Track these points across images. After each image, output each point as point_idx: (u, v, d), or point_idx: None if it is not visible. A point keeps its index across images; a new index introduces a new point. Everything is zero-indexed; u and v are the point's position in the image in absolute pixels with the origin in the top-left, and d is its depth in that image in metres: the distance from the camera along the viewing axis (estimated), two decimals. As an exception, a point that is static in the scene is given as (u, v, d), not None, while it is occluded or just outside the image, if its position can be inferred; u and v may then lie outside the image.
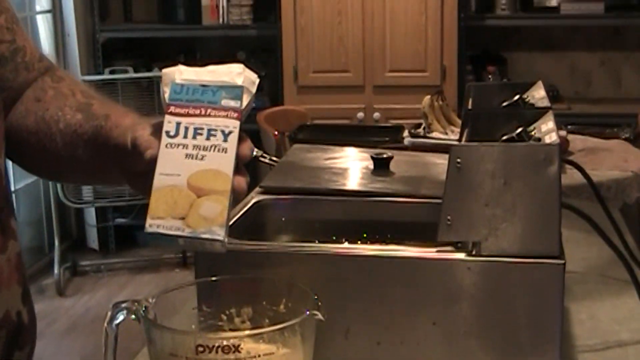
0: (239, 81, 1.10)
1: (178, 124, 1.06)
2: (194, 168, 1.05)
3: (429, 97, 3.32)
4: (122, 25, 5.21)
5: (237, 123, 1.07)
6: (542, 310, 1.16)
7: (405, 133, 3.13)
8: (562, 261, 1.15)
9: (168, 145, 1.05)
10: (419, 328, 1.19)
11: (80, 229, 5.22)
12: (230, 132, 1.06)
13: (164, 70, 1.12)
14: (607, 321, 1.48)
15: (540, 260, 1.15)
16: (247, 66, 1.14)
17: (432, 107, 3.32)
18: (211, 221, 1.03)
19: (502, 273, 1.16)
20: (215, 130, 1.06)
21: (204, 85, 1.09)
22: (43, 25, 4.82)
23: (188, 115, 1.07)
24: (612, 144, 3.37)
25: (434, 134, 3.20)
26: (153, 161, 1.05)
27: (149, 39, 5.27)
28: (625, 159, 3.19)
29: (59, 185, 4.49)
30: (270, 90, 4.90)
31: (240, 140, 1.07)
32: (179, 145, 1.05)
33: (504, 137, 1.20)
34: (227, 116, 1.07)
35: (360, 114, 4.55)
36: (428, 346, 1.19)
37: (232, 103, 1.07)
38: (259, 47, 5.09)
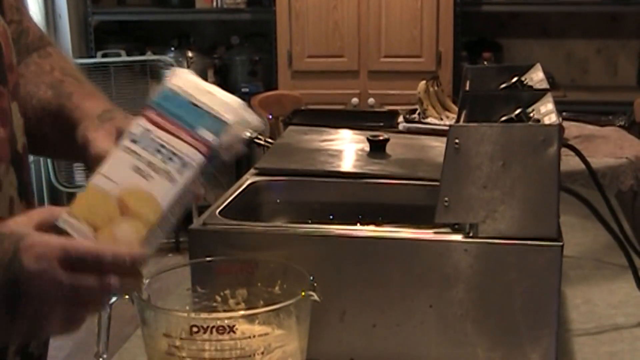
0: (229, 117, 0.98)
1: (147, 131, 0.98)
2: (133, 183, 0.96)
3: (424, 82, 3.29)
4: (114, 8, 5.17)
5: (201, 158, 0.97)
6: (539, 293, 1.15)
7: (400, 118, 3.11)
8: (561, 243, 1.14)
9: (124, 149, 0.98)
10: (416, 311, 1.18)
11: (72, 213, 5.18)
12: (188, 165, 0.96)
13: (177, 69, 1.06)
14: (603, 305, 1.47)
15: (538, 242, 1.14)
16: (255, 111, 1.04)
17: (427, 92, 3.30)
18: (119, 245, 0.94)
19: (499, 255, 1.15)
20: (177, 156, 0.97)
21: (194, 104, 0.99)
22: (34, 6, 4.78)
23: (161, 127, 0.98)
24: (607, 131, 3.36)
25: (429, 120, 3.18)
26: (99, 158, 1.00)
27: (142, 22, 5.23)
28: (621, 146, 3.18)
29: (51, 170, 4.47)
30: (264, 75, 4.87)
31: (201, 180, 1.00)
32: (134, 153, 0.97)
33: (503, 118, 1.19)
34: (195, 147, 0.97)
35: (355, 100, 4.52)
36: (424, 329, 1.18)
37: (208, 136, 0.97)
38: (253, 31, 5.06)
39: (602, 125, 3.42)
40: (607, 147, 3.11)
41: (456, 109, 3.35)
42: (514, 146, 1.13)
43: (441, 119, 3.20)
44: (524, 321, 1.16)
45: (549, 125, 1.15)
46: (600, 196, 1.50)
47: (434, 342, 1.18)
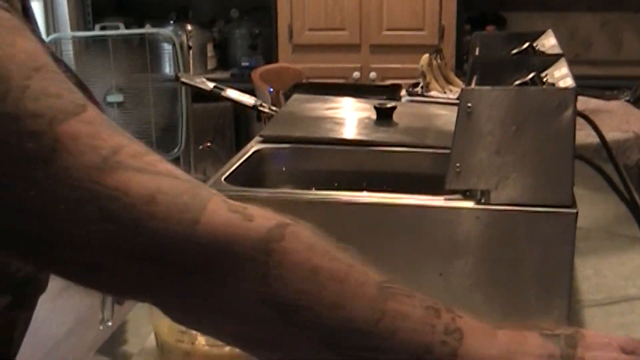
0: None
1: None
2: None
3: (427, 55, 3.27)
4: (113, -19, 5.13)
5: None
6: (551, 262, 1.12)
7: (403, 92, 3.09)
8: (575, 210, 1.11)
9: None
10: (425, 280, 1.15)
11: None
12: None
13: None
14: (613, 277, 1.45)
15: (552, 209, 1.11)
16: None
17: (430, 66, 3.27)
18: None
19: (511, 223, 1.12)
20: None
21: None
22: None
23: None
24: (613, 105, 3.33)
25: (432, 93, 3.16)
26: None
27: (141, -5, 5.19)
28: (627, 120, 3.15)
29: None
30: (265, 49, 4.83)
31: None
32: None
33: (517, 82, 1.15)
34: None
35: (356, 74, 4.49)
36: (433, 298, 1.15)
37: None
38: (253, 4, 5.01)
39: (607, 100, 3.40)
40: (612, 121, 3.09)
41: (459, 82, 3.34)
42: (528, 110, 1.10)
43: (444, 93, 3.18)
44: (535, 291, 1.13)
45: (565, 88, 1.12)
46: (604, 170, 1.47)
47: (444, 312, 1.15)
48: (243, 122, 4.88)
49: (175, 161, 4.65)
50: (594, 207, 1.76)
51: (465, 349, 0.77)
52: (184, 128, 4.53)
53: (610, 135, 2.94)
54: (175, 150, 4.56)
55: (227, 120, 4.86)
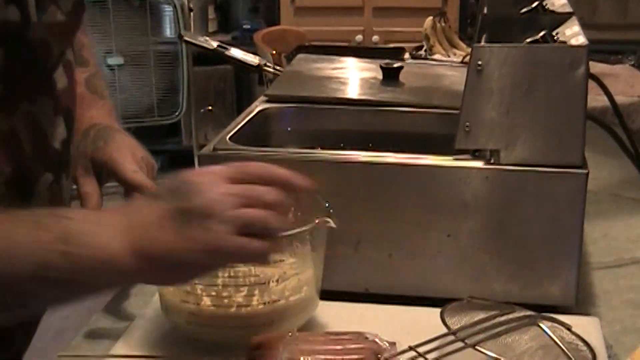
0: None
1: None
2: None
3: (431, 18, 3.23)
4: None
5: None
6: (561, 223, 1.11)
7: (407, 55, 3.05)
8: (586, 171, 1.09)
9: None
10: (433, 240, 1.13)
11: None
12: None
13: None
14: (621, 240, 1.43)
15: (562, 169, 1.09)
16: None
17: (434, 29, 3.23)
18: None
19: (521, 183, 1.10)
20: None
21: None
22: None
23: None
24: (618, 69, 3.30)
25: (436, 57, 3.13)
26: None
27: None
28: (632, 84, 3.12)
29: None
30: (266, 12, 4.79)
31: None
32: None
33: (528, 40, 1.13)
34: None
35: (359, 37, 4.45)
36: (441, 259, 1.14)
37: None
38: (255, -33, 4.97)
39: (612, 64, 3.37)
40: (617, 85, 3.06)
41: (463, 45, 3.30)
42: (540, 68, 1.08)
43: (448, 56, 3.14)
44: (545, 253, 1.12)
45: (577, 46, 1.10)
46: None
47: (451, 273, 1.14)
48: (245, 85, 4.84)
49: (176, 124, 4.63)
50: (600, 170, 1.74)
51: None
52: (185, 91, 4.50)
53: (616, 99, 2.92)
54: (176, 113, 4.54)
55: (228, 84, 4.83)
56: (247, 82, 4.81)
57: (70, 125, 1.03)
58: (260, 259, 0.85)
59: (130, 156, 1.09)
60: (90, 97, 1.20)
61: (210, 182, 0.83)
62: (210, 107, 4.79)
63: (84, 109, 1.17)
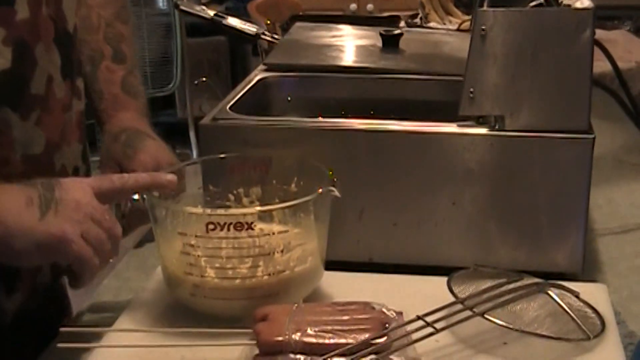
0: None
1: None
2: None
3: (426, -15, 3.20)
4: None
5: None
6: (568, 189, 1.10)
7: (402, 24, 3.03)
8: (592, 136, 1.08)
9: None
10: (437, 208, 1.12)
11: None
12: None
13: None
14: (625, 205, 1.42)
15: (568, 135, 1.08)
16: None
17: (429, -4, 3.21)
18: None
19: (526, 149, 1.09)
20: None
21: None
22: None
23: None
24: (614, 35, 3.28)
25: (432, 24, 3.10)
26: None
27: None
28: (629, 50, 3.10)
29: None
30: (260, -18, 4.74)
31: None
32: None
33: (532, 4, 1.11)
34: None
35: (353, 6, 4.41)
36: (446, 227, 1.13)
37: None
38: None
39: (608, 30, 3.34)
40: (615, 51, 3.03)
41: (459, 13, 3.27)
42: (545, 32, 1.07)
43: (444, 24, 3.12)
44: (551, 219, 1.11)
45: (583, 9, 1.08)
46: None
47: (457, 241, 1.13)
48: (239, 56, 4.81)
49: (170, 97, 4.60)
50: (602, 135, 1.71)
51: None
52: (179, 63, 4.47)
53: (608, 65, 2.90)
54: (170, 85, 4.51)
55: (222, 55, 4.79)
56: (241, 53, 4.78)
57: (22, 57, 1.02)
58: (85, 275, 0.92)
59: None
60: (124, 98, 1.21)
61: (82, 188, 0.93)
62: (204, 79, 4.76)
63: (118, 110, 1.20)
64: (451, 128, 1.11)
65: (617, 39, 3.21)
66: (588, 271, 1.13)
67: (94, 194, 0.93)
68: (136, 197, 1.01)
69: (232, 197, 1.10)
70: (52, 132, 1.06)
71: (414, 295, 1.02)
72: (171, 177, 1.00)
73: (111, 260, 1.00)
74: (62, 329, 0.95)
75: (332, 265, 1.06)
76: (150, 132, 1.18)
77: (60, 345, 0.92)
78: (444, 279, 1.00)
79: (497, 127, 1.10)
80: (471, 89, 1.09)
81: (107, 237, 0.92)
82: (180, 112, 4.78)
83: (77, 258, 0.90)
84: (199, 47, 4.72)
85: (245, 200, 1.10)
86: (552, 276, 1.05)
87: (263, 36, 1.56)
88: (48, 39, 1.03)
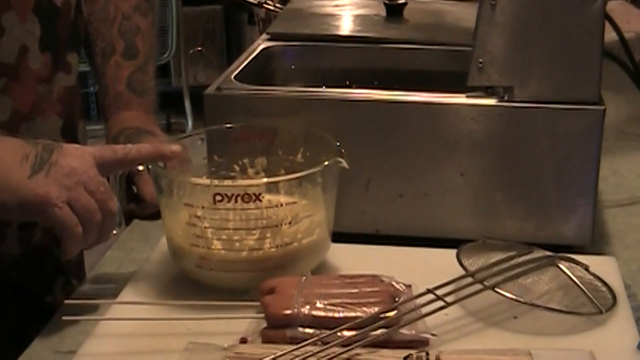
0: None
1: None
2: None
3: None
4: None
5: None
6: (577, 161, 1.08)
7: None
8: (603, 107, 1.06)
9: None
10: (445, 179, 1.11)
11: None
12: None
13: None
14: (631, 177, 1.41)
15: (578, 106, 1.06)
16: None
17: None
18: None
19: (535, 120, 1.07)
20: None
21: None
22: None
23: None
24: (612, 5, 3.24)
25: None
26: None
27: None
28: (627, 20, 3.07)
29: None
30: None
31: None
32: None
33: (543, -28, 1.09)
34: None
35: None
36: (453, 199, 1.11)
37: None
38: None
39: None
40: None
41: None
42: (555, 1, 1.05)
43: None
44: (560, 191, 1.10)
45: (595, -23, 1.06)
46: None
47: (464, 213, 1.12)
48: (234, 25, 4.78)
49: (166, 66, 4.57)
50: (607, 106, 1.72)
51: None
52: (174, 32, 4.44)
53: (611, 35, 2.89)
54: (166, 54, 4.48)
55: (217, 24, 4.76)
56: (236, 22, 4.74)
57: None
58: (68, 244, 0.91)
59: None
60: (128, 97, 1.21)
61: (82, 156, 0.92)
62: (199, 48, 4.73)
63: (120, 109, 1.19)
64: (460, 99, 1.09)
65: (614, 9, 3.17)
66: (596, 244, 1.12)
67: (95, 164, 0.92)
68: (141, 167, 1.00)
69: (237, 168, 1.08)
70: (22, 103, 1.05)
71: (422, 268, 1.01)
72: (175, 147, 0.99)
73: (114, 232, 0.99)
74: (66, 301, 0.94)
75: (337, 237, 1.05)
76: (153, 129, 1.17)
77: (64, 317, 0.91)
78: (452, 252, 0.99)
79: (506, 97, 1.08)
80: (480, 60, 1.07)
81: (97, 208, 0.90)
82: (175, 81, 4.76)
83: (58, 223, 0.89)
84: (193, 16, 4.68)
85: (250, 171, 1.08)
86: (560, 249, 1.04)
87: (266, 4, 1.54)
88: (24, 8, 1.02)
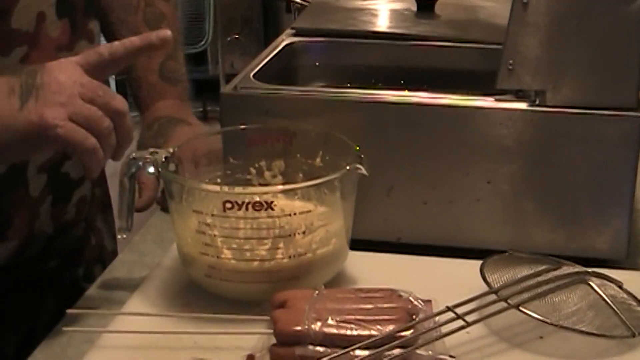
0: None
1: None
2: None
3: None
4: None
5: None
6: (612, 170, 1.02)
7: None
8: (640, 114, 1.00)
9: None
10: (471, 187, 1.06)
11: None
12: None
13: None
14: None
15: (615, 112, 1.00)
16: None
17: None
18: None
19: (569, 126, 1.02)
20: None
21: None
22: None
23: None
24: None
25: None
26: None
27: None
28: None
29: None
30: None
31: None
32: None
33: (579, -31, 1.03)
34: None
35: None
36: (480, 207, 1.06)
37: None
38: None
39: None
40: None
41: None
42: (591, 1, 0.99)
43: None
44: (593, 202, 1.04)
45: (635, -24, 1.00)
46: None
47: (491, 222, 1.06)
48: (271, 13, 4.74)
49: (203, 53, 4.55)
50: None
51: None
52: (211, 19, 4.42)
53: None
54: (202, 42, 4.47)
55: (255, 12, 4.73)
56: (274, 10, 4.70)
57: None
58: (87, 160, 0.85)
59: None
60: (162, 86, 1.19)
61: (67, 68, 0.86)
62: (237, 36, 4.70)
63: (154, 99, 1.18)
64: (488, 102, 1.04)
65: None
66: (631, 257, 1.06)
67: (83, 72, 0.87)
68: (152, 170, 0.96)
69: (253, 171, 1.04)
70: None
71: (444, 280, 0.96)
72: (163, 32, 0.92)
73: (123, 236, 0.95)
74: (69, 311, 0.90)
75: (357, 244, 1.00)
76: (187, 117, 1.15)
77: (64, 328, 0.87)
78: (476, 263, 0.93)
79: (537, 102, 1.02)
80: (510, 61, 1.02)
81: (103, 114, 0.85)
82: (212, 68, 4.74)
83: (67, 142, 0.83)
84: (231, 4, 4.66)
85: (267, 174, 1.04)
86: (593, 262, 0.98)
87: (292, -1, 1.49)
88: None
